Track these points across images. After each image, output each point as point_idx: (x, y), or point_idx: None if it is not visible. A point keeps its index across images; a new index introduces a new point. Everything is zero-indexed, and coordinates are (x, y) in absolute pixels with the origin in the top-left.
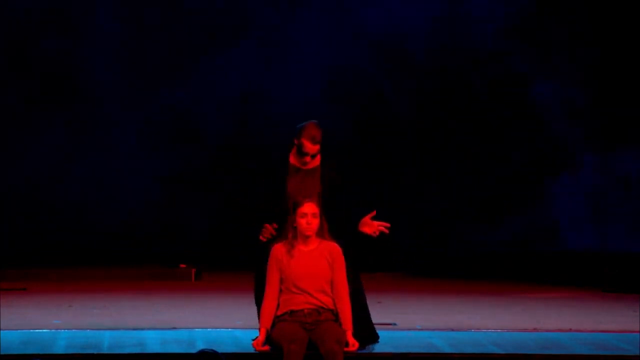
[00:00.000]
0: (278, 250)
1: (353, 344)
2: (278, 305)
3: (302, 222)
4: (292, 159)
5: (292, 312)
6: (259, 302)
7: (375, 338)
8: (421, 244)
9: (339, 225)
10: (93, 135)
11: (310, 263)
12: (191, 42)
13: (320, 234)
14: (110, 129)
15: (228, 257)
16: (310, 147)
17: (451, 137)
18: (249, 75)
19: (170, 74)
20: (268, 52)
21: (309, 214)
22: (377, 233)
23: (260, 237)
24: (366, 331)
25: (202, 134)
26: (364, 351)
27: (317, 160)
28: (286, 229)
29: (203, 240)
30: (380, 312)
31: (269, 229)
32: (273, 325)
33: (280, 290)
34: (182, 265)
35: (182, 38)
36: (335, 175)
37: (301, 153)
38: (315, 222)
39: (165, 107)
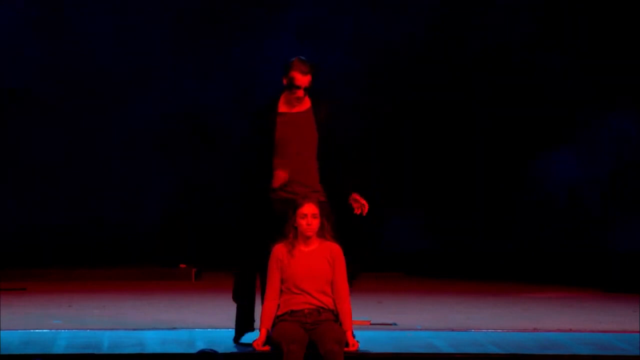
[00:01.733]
0: (279, 250)
1: (353, 344)
2: (278, 305)
3: (302, 223)
4: (281, 107)
5: (292, 312)
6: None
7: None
8: (421, 243)
9: (335, 174)
10: (93, 136)
11: (310, 263)
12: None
13: (320, 234)
14: (109, 129)
15: (228, 257)
16: (301, 78)
17: (452, 136)
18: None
19: (171, 75)
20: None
21: (308, 214)
22: (360, 210)
23: (274, 185)
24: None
25: (202, 133)
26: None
27: (307, 104)
28: (287, 230)
29: (204, 240)
30: (380, 312)
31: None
32: (273, 325)
33: (281, 291)
34: (182, 265)
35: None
36: (330, 112)
37: (292, 88)
38: (315, 223)
39: (163, 106)
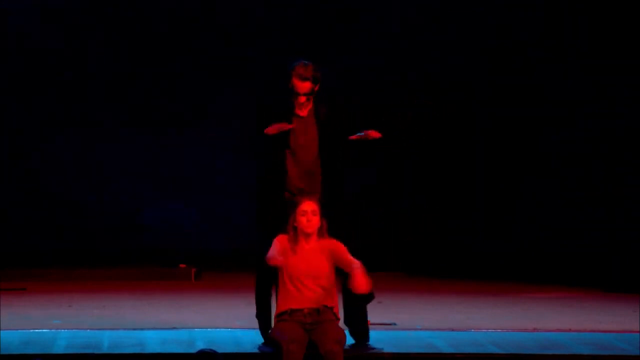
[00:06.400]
0: (282, 239)
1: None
2: (277, 303)
3: (302, 220)
4: (296, 109)
5: (292, 311)
6: (259, 298)
7: (366, 338)
8: (421, 243)
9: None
10: (93, 133)
11: (311, 260)
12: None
13: (320, 234)
14: (107, 128)
15: (228, 257)
16: (300, 85)
17: (452, 136)
18: None
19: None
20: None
21: (308, 211)
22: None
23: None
24: (359, 329)
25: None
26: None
27: (310, 105)
28: (287, 229)
29: (203, 239)
30: (380, 312)
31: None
32: (273, 324)
33: (283, 284)
34: (182, 265)
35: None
36: (328, 112)
37: (296, 95)
38: (315, 220)
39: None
